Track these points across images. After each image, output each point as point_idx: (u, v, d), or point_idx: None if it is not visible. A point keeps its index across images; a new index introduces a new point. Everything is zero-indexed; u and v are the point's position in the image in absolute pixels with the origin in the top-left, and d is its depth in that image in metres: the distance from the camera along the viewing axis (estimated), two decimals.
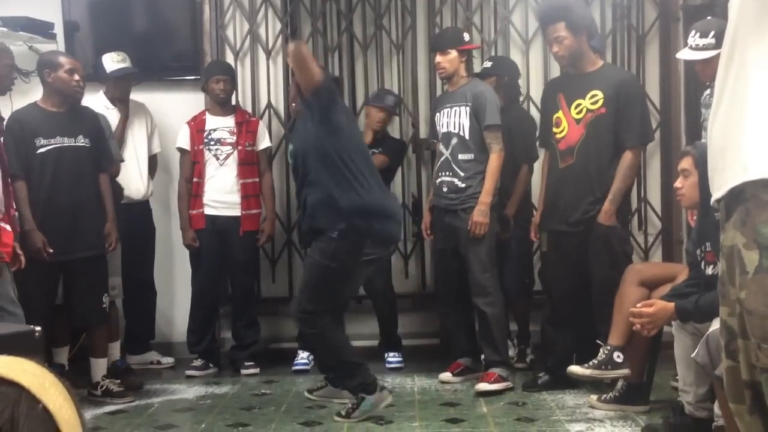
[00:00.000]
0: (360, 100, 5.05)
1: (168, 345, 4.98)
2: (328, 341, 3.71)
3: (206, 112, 4.71)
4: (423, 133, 5.05)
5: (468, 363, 4.34)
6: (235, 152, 4.62)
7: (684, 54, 3.70)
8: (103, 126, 4.23)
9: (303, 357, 4.65)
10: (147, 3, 5.12)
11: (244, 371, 4.62)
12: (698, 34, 3.55)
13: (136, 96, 4.72)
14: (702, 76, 3.65)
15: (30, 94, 4.08)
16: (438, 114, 4.33)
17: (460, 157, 4.20)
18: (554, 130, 4.00)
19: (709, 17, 3.74)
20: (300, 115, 3.85)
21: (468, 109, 4.16)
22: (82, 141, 3.99)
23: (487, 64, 4.65)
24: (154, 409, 4.03)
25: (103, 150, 4.13)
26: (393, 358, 4.69)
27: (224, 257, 4.65)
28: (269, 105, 5.04)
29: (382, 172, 4.16)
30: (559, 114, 3.98)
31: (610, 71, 4.08)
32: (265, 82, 5.05)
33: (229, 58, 4.99)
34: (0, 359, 0.75)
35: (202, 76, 4.75)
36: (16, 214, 3.64)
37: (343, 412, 3.68)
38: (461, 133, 4.19)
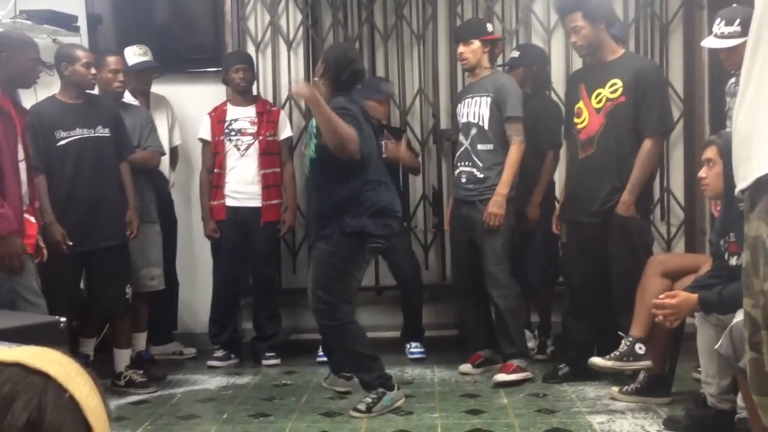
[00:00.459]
0: None
1: (190, 336, 5.01)
2: (348, 333, 3.68)
3: (227, 103, 4.72)
4: (444, 124, 5.03)
5: (488, 354, 4.33)
6: (256, 142, 4.62)
7: (709, 42, 3.66)
8: (145, 119, 4.33)
9: None
10: None
11: (265, 362, 4.64)
12: (723, 22, 3.50)
13: (157, 88, 4.75)
14: (727, 64, 3.60)
15: (53, 87, 4.09)
16: (459, 105, 4.31)
17: (480, 147, 4.17)
18: (575, 120, 3.97)
19: (734, 5, 3.69)
20: None
21: (489, 99, 4.14)
22: (101, 131, 4.00)
23: (515, 53, 4.60)
24: (177, 399, 4.06)
25: (123, 138, 4.13)
26: (415, 348, 4.68)
27: (245, 248, 4.66)
28: (290, 97, 5.04)
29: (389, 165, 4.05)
30: (580, 104, 3.95)
31: (631, 59, 4.02)
32: (286, 74, 5.06)
33: (251, 50, 4.99)
34: (27, 349, 0.76)
35: (222, 67, 4.76)
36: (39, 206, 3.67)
37: (363, 408, 3.63)
38: (481, 123, 4.16)
